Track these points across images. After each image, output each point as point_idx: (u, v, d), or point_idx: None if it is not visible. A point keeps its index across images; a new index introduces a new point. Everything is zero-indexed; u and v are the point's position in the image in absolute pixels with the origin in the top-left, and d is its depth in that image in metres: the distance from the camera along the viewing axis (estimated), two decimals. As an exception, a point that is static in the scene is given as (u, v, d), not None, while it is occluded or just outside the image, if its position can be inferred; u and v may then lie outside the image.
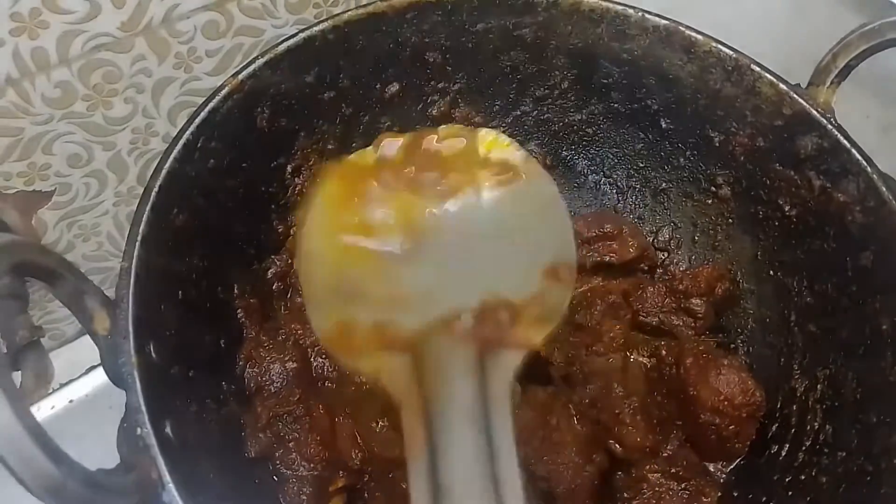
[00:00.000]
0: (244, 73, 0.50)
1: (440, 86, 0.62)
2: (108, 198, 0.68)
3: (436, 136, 0.51)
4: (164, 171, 0.44)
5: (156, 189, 0.44)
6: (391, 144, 0.51)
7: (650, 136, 0.61)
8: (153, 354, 0.40)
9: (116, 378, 0.39)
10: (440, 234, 0.48)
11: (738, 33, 0.66)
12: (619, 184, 0.65)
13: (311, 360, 0.52)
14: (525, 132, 0.65)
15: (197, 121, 0.47)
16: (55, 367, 0.58)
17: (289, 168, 0.57)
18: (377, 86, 0.60)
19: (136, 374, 0.38)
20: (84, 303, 0.39)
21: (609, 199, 0.65)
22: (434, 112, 0.63)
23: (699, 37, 0.55)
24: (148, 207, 0.43)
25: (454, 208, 0.49)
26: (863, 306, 0.50)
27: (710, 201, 0.60)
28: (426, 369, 0.42)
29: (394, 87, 0.60)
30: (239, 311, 0.53)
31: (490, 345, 0.43)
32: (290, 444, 0.48)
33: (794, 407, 0.53)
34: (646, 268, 0.61)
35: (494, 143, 0.50)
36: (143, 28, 0.59)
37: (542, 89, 0.62)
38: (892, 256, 0.48)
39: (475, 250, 0.48)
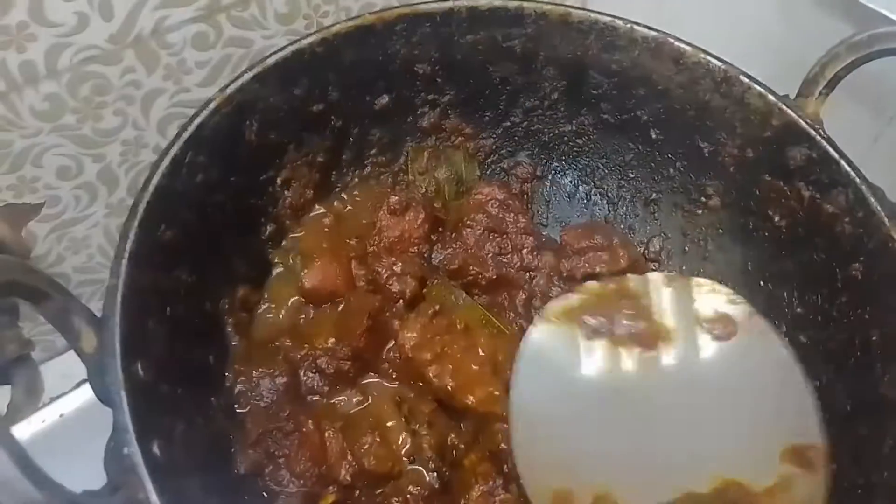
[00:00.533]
0: (232, 87, 0.50)
1: (430, 97, 0.62)
2: (99, 210, 0.68)
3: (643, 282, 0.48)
4: (151, 187, 0.44)
5: (143, 205, 0.43)
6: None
7: (640, 147, 0.61)
8: (141, 372, 0.40)
9: (104, 397, 0.38)
10: (663, 394, 0.45)
11: (728, 43, 0.66)
12: (609, 194, 0.65)
13: (302, 374, 0.52)
14: (515, 143, 0.65)
15: (185, 136, 0.47)
16: (46, 379, 0.58)
17: (278, 181, 0.57)
18: (367, 98, 0.60)
19: (123, 392, 0.37)
20: (71, 321, 0.39)
21: (600, 209, 0.65)
22: (424, 123, 0.63)
23: (688, 48, 0.55)
24: (135, 224, 0.43)
25: (675, 364, 0.45)
26: (853, 317, 0.50)
27: (700, 212, 0.60)
28: None
29: (384, 100, 0.60)
30: (228, 325, 0.52)
31: None
32: (280, 461, 0.48)
33: (785, 418, 0.53)
34: (637, 278, 0.61)
35: (714, 295, 0.47)
36: (132, 40, 0.59)
37: (531, 100, 0.62)
38: (882, 268, 0.48)
39: (705, 421, 0.44)
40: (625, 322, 0.47)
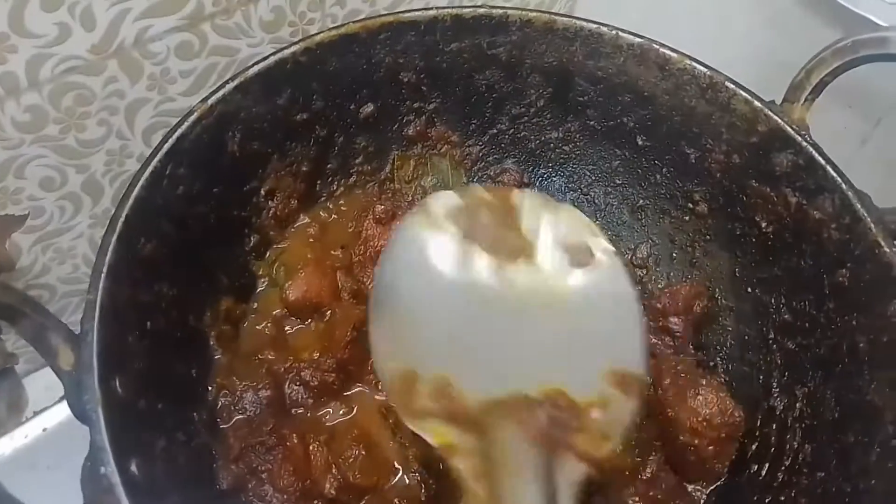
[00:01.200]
0: (213, 97, 0.50)
1: (416, 105, 0.61)
2: (84, 220, 0.68)
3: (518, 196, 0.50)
4: (130, 200, 0.44)
5: (122, 219, 0.43)
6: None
7: (626, 154, 0.61)
8: (119, 389, 0.39)
9: (81, 415, 0.38)
10: (511, 302, 0.48)
11: (715, 49, 0.66)
12: (596, 201, 0.64)
13: (285, 387, 0.51)
14: (502, 150, 0.65)
15: (165, 148, 0.47)
16: (30, 392, 0.58)
17: (262, 191, 0.57)
18: (352, 107, 0.59)
19: (100, 410, 0.37)
20: (47, 339, 0.39)
21: (587, 216, 0.65)
22: (410, 132, 0.63)
23: (673, 54, 0.55)
24: (114, 238, 0.42)
25: (529, 278, 0.48)
26: (840, 324, 0.50)
27: (687, 218, 0.60)
28: (495, 461, 0.42)
29: (368, 108, 0.60)
30: (211, 338, 0.52)
31: (556, 447, 0.43)
32: (263, 475, 0.47)
33: (774, 426, 0.52)
34: (624, 286, 0.60)
35: (582, 227, 0.49)
36: (114, 50, 0.58)
37: (517, 107, 0.62)
38: (868, 274, 0.48)
39: (543, 332, 0.47)
40: (496, 230, 0.49)
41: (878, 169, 0.68)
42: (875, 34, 0.50)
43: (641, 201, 0.62)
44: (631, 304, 0.47)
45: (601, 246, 0.49)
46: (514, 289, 0.48)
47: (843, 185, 0.50)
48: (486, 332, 0.47)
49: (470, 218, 0.49)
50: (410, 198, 0.63)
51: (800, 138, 0.52)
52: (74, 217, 0.67)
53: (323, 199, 0.62)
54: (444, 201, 0.50)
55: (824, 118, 0.55)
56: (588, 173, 0.64)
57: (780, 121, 0.52)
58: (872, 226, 0.48)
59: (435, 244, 0.48)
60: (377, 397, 0.52)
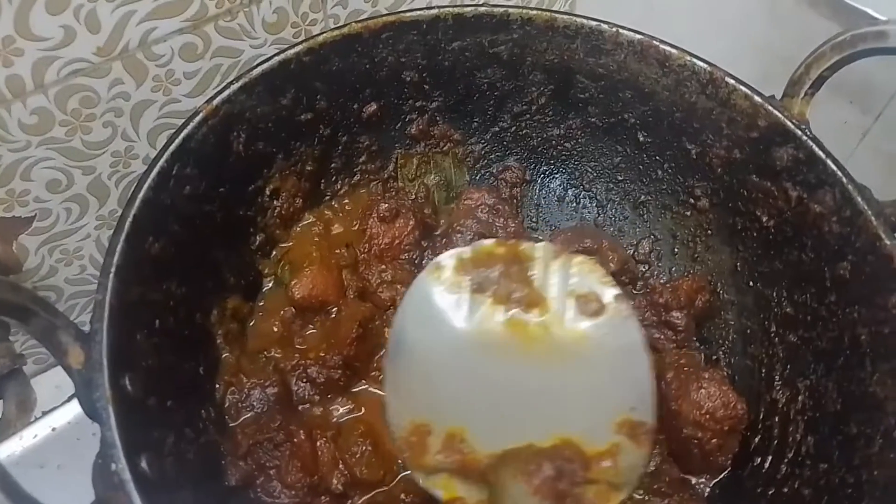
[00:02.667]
0: (218, 98, 0.50)
1: (418, 104, 0.62)
2: (90, 222, 0.68)
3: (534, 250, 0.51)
4: (138, 201, 0.44)
5: (130, 219, 0.43)
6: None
7: (628, 150, 0.61)
8: (129, 386, 0.40)
9: (91, 412, 0.38)
10: (521, 353, 0.48)
11: (715, 44, 0.66)
12: (598, 197, 0.65)
13: (292, 384, 0.52)
14: (504, 148, 0.65)
15: (171, 148, 0.47)
16: (38, 391, 0.58)
17: (267, 191, 0.57)
18: (355, 106, 0.60)
19: (110, 408, 0.37)
20: (57, 338, 0.39)
21: (589, 212, 0.65)
22: (413, 130, 0.63)
23: (673, 50, 0.55)
24: (122, 238, 0.43)
25: (540, 329, 0.49)
26: (841, 316, 0.50)
27: (688, 213, 0.60)
28: None
29: (371, 107, 0.60)
30: (218, 336, 0.52)
31: (563, 501, 0.44)
32: (272, 472, 0.48)
33: (776, 418, 0.53)
34: (627, 280, 0.61)
35: (592, 276, 0.50)
36: (119, 52, 0.59)
37: (519, 105, 0.62)
38: (869, 266, 0.48)
39: (553, 382, 0.48)
40: (508, 283, 0.50)
41: (879, 162, 0.68)
42: (873, 28, 0.50)
43: (643, 197, 0.63)
44: (639, 352, 0.47)
45: (612, 294, 0.49)
46: (524, 340, 0.49)
47: (844, 179, 0.50)
48: (498, 384, 0.48)
49: (481, 271, 0.50)
50: (414, 196, 0.63)
51: (800, 132, 0.52)
52: (81, 218, 0.67)
53: (327, 198, 0.62)
54: (455, 256, 0.50)
55: (825, 112, 0.55)
56: (590, 170, 0.64)
57: (780, 115, 0.52)
58: (873, 218, 0.48)
59: (446, 298, 0.49)
60: (382, 393, 0.53)
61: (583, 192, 0.65)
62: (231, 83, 0.51)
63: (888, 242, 0.47)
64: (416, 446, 0.46)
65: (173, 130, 0.49)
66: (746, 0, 0.71)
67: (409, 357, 0.48)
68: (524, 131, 0.64)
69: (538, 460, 0.45)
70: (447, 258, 0.50)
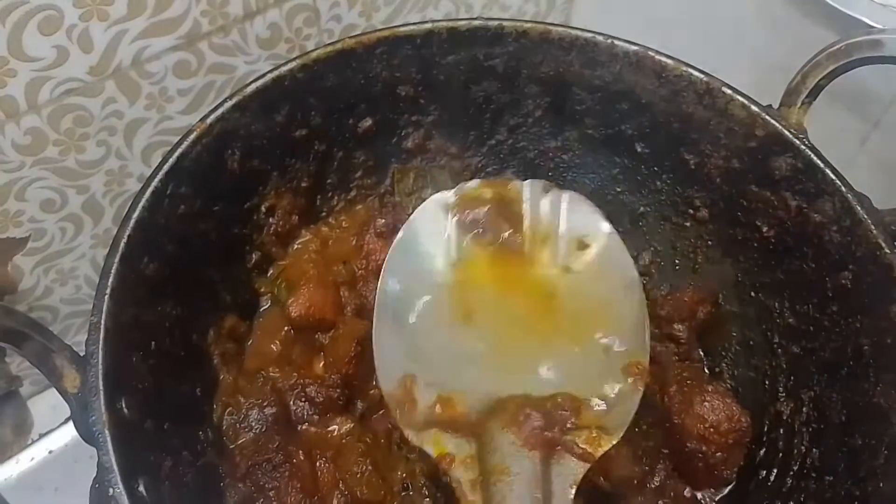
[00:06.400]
0: (212, 116, 0.50)
1: (414, 118, 0.61)
2: (85, 241, 0.68)
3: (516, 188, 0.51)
4: (132, 222, 0.44)
5: (124, 240, 0.43)
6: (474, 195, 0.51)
7: (626, 161, 0.61)
8: (125, 410, 0.39)
9: (88, 436, 0.38)
10: (510, 295, 0.48)
11: (711, 53, 0.66)
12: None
13: (290, 403, 0.51)
14: (501, 161, 0.65)
15: (165, 168, 0.47)
16: (35, 414, 0.58)
17: (262, 208, 0.57)
18: (350, 121, 0.59)
19: (107, 432, 0.37)
20: (52, 362, 0.39)
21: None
22: (409, 145, 0.63)
23: (669, 61, 0.55)
24: (116, 259, 0.42)
25: (530, 268, 0.48)
26: (844, 326, 0.50)
27: (688, 224, 0.60)
28: (491, 469, 0.42)
29: (367, 122, 0.60)
30: (215, 356, 0.52)
31: (553, 448, 0.43)
32: (271, 493, 0.47)
33: (781, 431, 0.52)
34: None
35: (582, 210, 0.49)
36: (112, 71, 0.59)
37: (515, 118, 0.62)
38: (870, 276, 0.48)
39: (543, 325, 0.47)
40: (496, 223, 0.49)
41: (878, 170, 0.68)
42: (868, 37, 0.50)
43: (642, 208, 0.62)
44: (634, 287, 0.47)
45: (604, 228, 0.48)
46: (514, 279, 0.48)
47: (843, 188, 0.50)
48: (485, 330, 0.47)
49: (466, 213, 0.49)
50: (411, 210, 0.63)
51: (798, 142, 0.52)
52: (76, 238, 0.67)
53: (324, 214, 0.62)
54: (440, 199, 0.50)
55: (823, 120, 0.55)
56: (588, 182, 0.64)
57: (777, 125, 0.52)
58: (873, 227, 0.48)
59: (430, 241, 0.49)
60: (382, 412, 0.52)
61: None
62: (225, 101, 0.51)
63: (888, 251, 0.47)
64: (404, 402, 0.45)
65: (168, 148, 0.49)
66: (742, 10, 0.71)
67: (394, 308, 0.47)
68: (521, 144, 0.64)
69: (526, 409, 0.43)
70: (431, 203, 0.49)
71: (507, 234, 0.49)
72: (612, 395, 0.45)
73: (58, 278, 0.69)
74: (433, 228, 0.49)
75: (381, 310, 0.47)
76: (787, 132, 0.52)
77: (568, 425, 0.43)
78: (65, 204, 0.64)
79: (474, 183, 0.52)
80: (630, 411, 0.45)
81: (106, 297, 0.41)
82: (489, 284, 0.48)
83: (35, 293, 0.68)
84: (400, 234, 0.49)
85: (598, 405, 0.44)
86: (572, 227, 0.49)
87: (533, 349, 0.47)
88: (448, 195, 0.51)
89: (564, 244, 0.49)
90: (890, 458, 0.44)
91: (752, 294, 0.57)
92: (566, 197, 0.51)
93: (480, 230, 0.49)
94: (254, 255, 0.57)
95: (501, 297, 0.48)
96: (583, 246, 0.49)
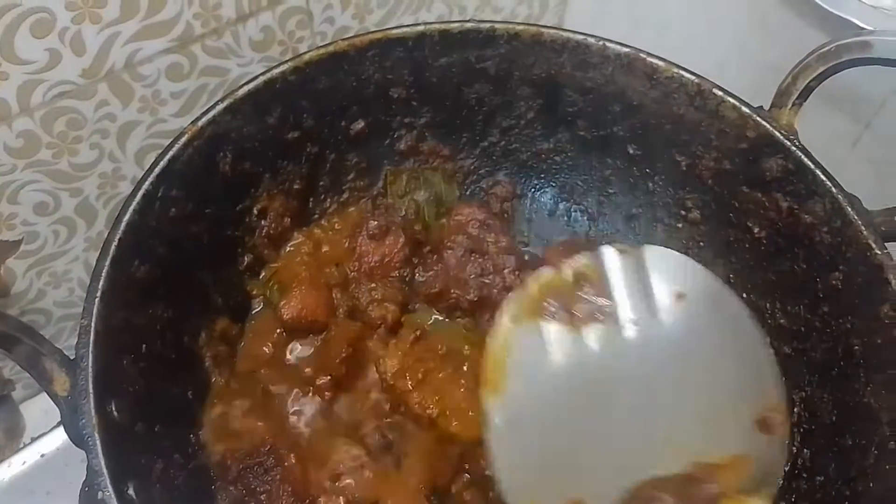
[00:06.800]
0: (203, 119, 0.50)
1: (406, 120, 0.61)
2: (78, 244, 0.68)
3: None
4: (123, 224, 0.44)
5: (115, 243, 0.43)
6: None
7: (618, 163, 0.61)
8: (115, 413, 0.39)
9: (77, 440, 0.38)
10: (627, 372, 0.45)
11: (704, 54, 0.66)
12: (589, 210, 0.65)
13: (282, 406, 0.51)
14: (493, 163, 0.65)
15: (156, 171, 0.47)
16: (27, 417, 0.58)
17: (255, 210, 0.57)
18: (342, 123, 0.59)
19: (96, 435, 0.37)
20: (42, 365, 0.39)
21: (581, 226, 0.65)
22: (401, 147, 0.63)
23: (661, 63, 0.55)
24: (107, 262, 0.42)
25: (636, 339, 0.46)
26: (835, 327, 0.50)
27: (680, 225, 0.60)
28: None
29: (359, 124, 0.60)
30: (207, 359, 0.52)
31: None
32: (262, 497, 0.47)
33: (772, 431, 0.52)
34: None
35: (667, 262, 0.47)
36: (105, 74, 0.59)
37: (508, 120, 0.62)
38: (861, 276, 0.48)
39: (659, 399, 0.45)
40: (585, 302, 0.47)
41: (870, 170, 0.68)
42: (857, 38, 0.50)
43: (634, 210, 0.62)
44: (746, 323, 0.45)
45: (694, 273, 0.47)
46: (627, 354, 0.46)
47: (834, 189, 0.50)
48: (611, 416, 0.44)
49: (552, 302, 0.47)
50: (403, 212, 0.63)
51: (788, 143, 0.52)
52: (69, 241, 0.67)
53: (316, 216, 0.62)
54: (520, 298, 0.47)
55: (815, 121, 0.55)
56: (580, 183, 0.64)
57: (768, 126, 0.52)
58: (863, 228, 0.48)
59: (533, 344, 0.46)
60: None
61: (574, 206, 0.65)
62: (216, 104, 0.51)
63: (878, 252, 0.47)
64: None
65: (160, 150, 0.49)
66: (735, 11, 0.71)
67: (510, 425, 0.44)
68: (513, 146, 0.64)
69: (655, 492, 0.41)
70: (514, 303, 0.47)
71: (598, 305, 0.47)
72: (753, 452, 0.42)
73: (51, 281, 0.68)
74: (525, 329, 0.46)
75: (497, 429, 0.44)
76: (777, 133, 0.52)
77: (714, 492, 0.41)
78: (58, 207, 0.64)
79: (547, 272, 0.49)
80: (777, 466, 0.43)
81: (96, 300, 0.41)
82: (597, 364, 0.46)
83: (28, 296, 0.68)
84: (490, 349, 0.46)
85: (739, 469, 0.42)
86: (663, 280, 0.47)
87: (652, 424, 0.44)
88: (528, 288, 0.48)
89: (657, 298, 0.47)
90: (879, 458, 0.44)
91: (744, 295, 0.57)
92: (647, 252, 0.49)
93: (572, 311, 0.47)
94: (246, 258, 0.57)
95: (611, 373, 0.45)
96: (680, 296, 0.47)
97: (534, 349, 0.46)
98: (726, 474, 0.42)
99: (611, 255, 0.49)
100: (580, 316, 0.47)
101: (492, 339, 0.47)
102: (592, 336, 0.47)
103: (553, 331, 0.47)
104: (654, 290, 0.48)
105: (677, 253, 0.49)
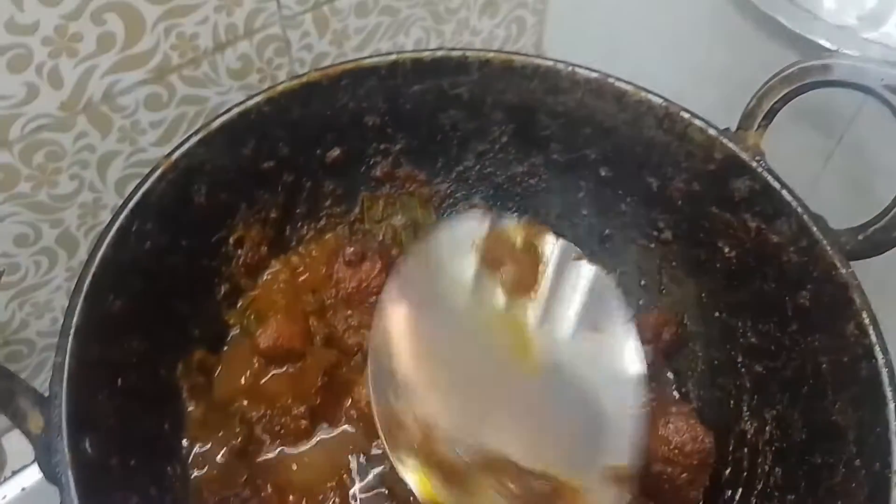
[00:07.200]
0: (177, 152, 0.50)
1: (382, 147, 0.62)
2: (60, 274, 0.68)
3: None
4: (97, 260, 0.45)
5: (88, 279, 0.44)
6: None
7: (591, 185, 0.62)
8: (89, 449, 0.40)
9: (51, 477, 0.38)
10: (514, 356, 0.47)
11: (679, 72, 0.67)
12: (564, 232, 0.64)
13: (259, 436, 0.52)
14: (469, 186, 0.66)
15: (130, 205, 0.47)
16: (9, 450, 0.58)
17: (231, 240, 0.58)
18: (318, 152, 0.60)
19: (69, 473, 0.37)
20: (16, 403, 0.39)
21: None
22: (377, 173, 0.63)
23: (628, 87, 0.56)
24: (80, 299, 0.43)
25: (537, 335, 0.47)
26: (804, 345, 0.51)
27: (653, 245, 0.61)
28: None
29: (335, 152, 0.60)
30: (184, 390, 0.52)
31: None
32: (240, 528, 0.48)
33: (745, 450, 0.53)
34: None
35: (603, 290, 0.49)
36: (83, 106, 0.59)
37: (482, 144, 0.63)
38: (827, 295, 0.49)
39: (541, 398, 0.47)
40: (517, 272, 0.49)
41: (844, 184, 0.69)
42: (818, 62, 0.51)
43: (608, 230, 0.63)
44: (635, 386, 0.46)
45: (618, 312, 0.48)
46: (521, 341, 0.48)
47: (799, 209, 0.51)
48: (486, 380, 0.46)
49: (494, 248, 0.49)
50: (381, 237, 0.64)
51: (754, 164, 0.53)
52: (51, 271, 0.67)
53: (293, 243, 0.62)
54: (469, 229, 0.49)
55: (788, 136, 0.56)
56: (555, 205, 0.65)
57: (734, 148, 0.53)
58: (828, 248, 0.49)
59: (452, 271, 0.48)
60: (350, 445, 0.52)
61: (549, 228, 0.66)
62: (190, 136, 0.51)
63: (843, 271, 0.48)
64: (394, 431, 0.43)
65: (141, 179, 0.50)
66: (710, 32, 0.72)
67: (399, 328, 0.45)
68: (488, 170, 0.64)
69: (516, 476, 0.43)
70: (462, 226, 0.48)
71: (524, 287, 0.49)
72: (596, 493, 0.44)
73: (33, 311, 0.69)
74: (454, 256, 0.48)
75: (384, 327, 0.46)
76: (743, 155, 0.53)
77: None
78: (38, 238, 0.64)
79: (511, 222, 0.51)
80: None
81: (70, 336, 0.41)
82: (497, 331, 0.48)
83: (11, 326, 0.69)
84: (415, 254, 0.48)
85: (580, 500, 0.44)
86: (589, 307, 0.49)
87: (526, 417, 0.46)
88: (478, 227, 0.50)
89: (576, 321, 0.49)
90: (846, 476, 0.45)
91: (717, 314, 0.58)
92: (592, 272, 0.50)
93: (503, 270, 0.49)
94: (223, 287, 0.58)
95: (506, 350, 0.47)
96: (595, 328, 0.48)
97: (453, 276, 0.48)
98: (567, 495, 0.44)
99: (564, 251, 0.51)
100: (505, 276, 0.49)
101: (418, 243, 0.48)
102: (504, 299, 0.48)
103: (474, 272, 0.48)
104: (577, 308, 0.49)
105: (620, 295, 0.50)
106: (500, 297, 0.49)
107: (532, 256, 0.51)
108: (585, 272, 0.50)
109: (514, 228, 0.51)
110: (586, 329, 0.49)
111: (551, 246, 0.52)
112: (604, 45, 0.85)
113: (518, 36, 0.88)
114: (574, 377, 0.47)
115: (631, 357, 0.48)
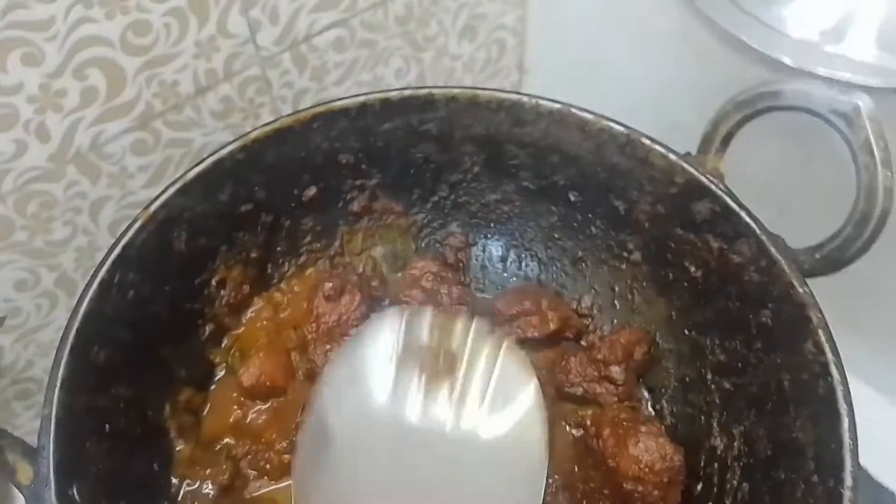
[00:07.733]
0: (155, 204, 0.52)
1: (357, 183, 0.64)
2: (61, 314, 0.71)
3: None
4: (80, 314, 0.47)
5: (73, 333, 0.46)
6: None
7: (562, 210, 0.64)
8: (76, 497, 0.42)
9: (41, 526, 0.41)
10: (433, 440, 0.51)
11: (653, 89, 0.68)
12: (539, 256, 0.67)
13: (245, 471, 0.54)
14: (445, 215, 0.67)
15: (111, 258, 0.49)
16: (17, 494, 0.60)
17: (213, 282, 0.59)
18: (294, 192, 0.62)
19: (56, 523, 0.40)
20: (4, 457, 0.41)
21: (532, 270, 0.68)
22: (355, 207, 0.65)
23: (590, 117, 0.58)
24: (66, 352, 0.45)
25: (454, 414, 0.51)
26: (767, 363, 0.52)
27: (623, 266, 0.63)
28: None
29: (311, 191, 0.62)
30: (172, 430, 0.54)
31: None
32: (229, 567, 0.50)
33: (716, 465, 0.54)
34: (571, 336, 0.63)
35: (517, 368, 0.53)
36: (72, 156, 0.62)
37: (455, 175, 0.65)
38: (786, 314, 0.50)
39: (457, 476, 0.50)
40: (434, 361, 0.53)
41: (818, 193, 0.69)
42: (768, 88, 0.52)
43: (580, 253, 0.65)
44: (536, 471, 0.50)
45: (529, 390, 0.52)
46: (439, 424, 0.51)
47: (758, 230, 0.52)
48: (409, 473, 0.50)
49: (410, 341, 0.53)
50: (361, 269, 0.66)
51: (713, 187, 0.54)
52: (51, 312, 0.70)
53: (275, 280, 0.64)
54: (385, 334, 0.53)
55: (763, 150, 0.57)
56: (529, 230, 0.66)
57: (694, 172, 0.55)
58: (786, 267, 0.50)
59: (373, 369, 0.52)
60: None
61: (524, 252, 0.68)
62: (168, 187, 0.53)
63: (801, 290, 0.49)
64: None
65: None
66: (680, 46, 0.73)
67: (326, 438, 0.49)
68: (463, 199, 0.66)
69: None
70: (379, 325, 0.52)
71: (442, 372, 0.53)
72: None
73: (38, 351, 0.72)
74: (373, 366, 0.53)
75: (313, 435, 0.50)
76: (703, 178, 0.54)
77: None
78: (37, 282, 0.67)
79: (425, 316, 0.56)
80: None
81: (56, 388, 0.44)
82: (417, 421, 0.51)
83: (17, 367, 0.72)
84: (342, 353, 0.53)
85: None
86: (501, 379, 0.53)
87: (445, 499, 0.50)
88: (394, 332, 0.54)
89: (490, 395, 0.52)
90: (806, 492, 0.46)
91: (686, 332, 0.59)
92: (506, 346, 0.54)
93: (420, 362, 0.53)
94: (207, 328, 0.60)
95: (426, 437, 0.51)
96: (504, 401, 0.52)
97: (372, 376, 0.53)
98: None
99: (478, 331, 0.55)
100: (423, 367, 0.53)
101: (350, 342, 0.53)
102: (422, 390, 0.52)
103: (392, 376, 0.53)
104: (490, 391, 0.53)
105: (527, 364, 0.54)
106: (418, 395, 0.53)
107: (447, 344, 0.54)
108: (501, 350, 0.54)
109: (427, 324, 0.55)
110: (498, 408, 0.52)
111: (466, 329, 0.55)
112: (583, 62, 0.87)
113: (499, 57, 0.90)
114: (482, 462, 0.50)
115: (534, 437, 0.51)
